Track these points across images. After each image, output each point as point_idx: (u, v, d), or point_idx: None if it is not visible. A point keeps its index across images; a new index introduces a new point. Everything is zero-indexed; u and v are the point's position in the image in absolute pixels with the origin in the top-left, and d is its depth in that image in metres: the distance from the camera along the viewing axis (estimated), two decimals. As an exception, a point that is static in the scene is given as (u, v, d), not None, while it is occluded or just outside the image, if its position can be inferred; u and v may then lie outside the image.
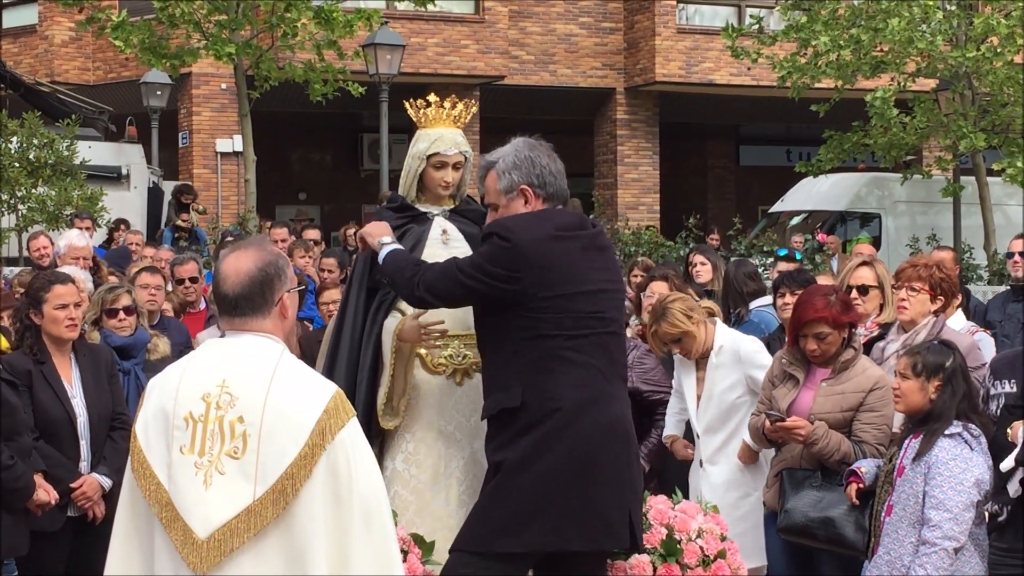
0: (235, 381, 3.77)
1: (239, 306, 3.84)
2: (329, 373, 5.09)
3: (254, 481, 3.72)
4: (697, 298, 7.45)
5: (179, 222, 18.16)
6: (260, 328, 3.85)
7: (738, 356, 6.62)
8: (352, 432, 3.81)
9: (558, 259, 4.91)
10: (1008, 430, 5.16)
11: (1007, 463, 5.07)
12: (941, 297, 6.32)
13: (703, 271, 9.93)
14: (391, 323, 5.32)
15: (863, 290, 6.70)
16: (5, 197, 17.45)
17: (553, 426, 4.85)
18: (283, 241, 13.70)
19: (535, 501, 4.83)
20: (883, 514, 5.50)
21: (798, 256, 16.40)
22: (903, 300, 6.31)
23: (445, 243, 5.36)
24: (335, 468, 3.74)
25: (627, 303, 7.38)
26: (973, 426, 5.44)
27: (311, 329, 9.22)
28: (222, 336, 3.98)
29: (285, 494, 3.69)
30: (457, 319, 5.23)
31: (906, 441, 5.53)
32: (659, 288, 7.52)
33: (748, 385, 6.58)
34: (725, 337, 6.70)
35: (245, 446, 3.72)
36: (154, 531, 3.79)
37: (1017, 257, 9.49)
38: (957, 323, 7.00)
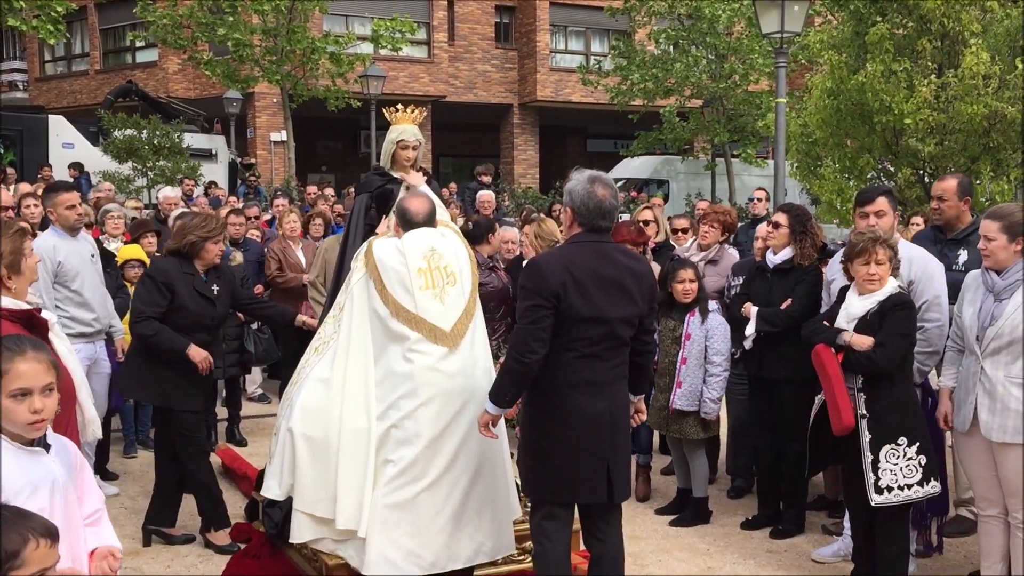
0: (438, 246, 4.10)
1: (424, 223, 4.17)
2: (338, 273, 4.77)
3: (464, 296, 4.08)
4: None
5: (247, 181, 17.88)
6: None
7: None
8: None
9: None
10: (742, 309, 5.18)
11: (749, 328, 5.07)
12: (726, 233, 6.22)
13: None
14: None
15: (646, 223, 6.61)
16: (139, 167, 17.39)
17: None
18: (312, 194, 13.44)
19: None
20: (679, 363, 5.35)
21: (620, 205, 16.31)
22: (705, 232, 6.11)
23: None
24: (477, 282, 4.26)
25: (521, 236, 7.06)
26: (720, 305, 5.51)
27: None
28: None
29: (476, 299, 4.14)
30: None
31: (686, 317, 5.40)
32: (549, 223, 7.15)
33: None
34: None
35: (456, 279, 4.08)
36: (391, 336, 3.98)
37: (755, 202, 9.70)
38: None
